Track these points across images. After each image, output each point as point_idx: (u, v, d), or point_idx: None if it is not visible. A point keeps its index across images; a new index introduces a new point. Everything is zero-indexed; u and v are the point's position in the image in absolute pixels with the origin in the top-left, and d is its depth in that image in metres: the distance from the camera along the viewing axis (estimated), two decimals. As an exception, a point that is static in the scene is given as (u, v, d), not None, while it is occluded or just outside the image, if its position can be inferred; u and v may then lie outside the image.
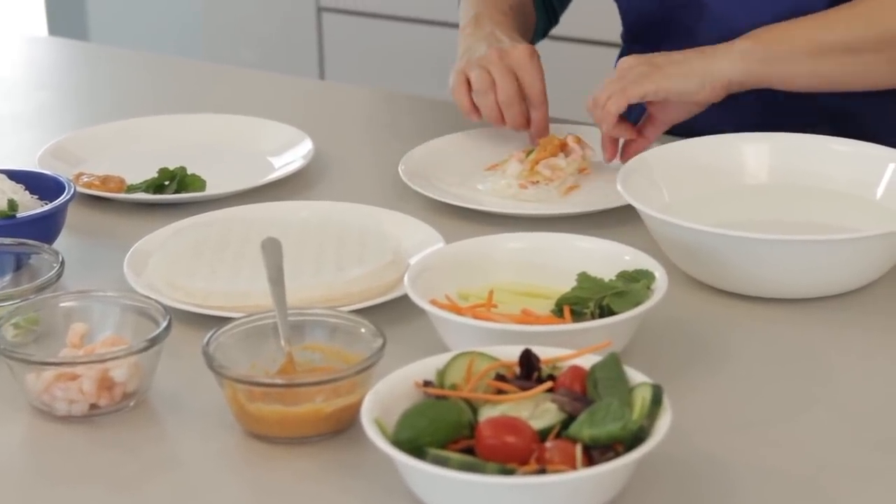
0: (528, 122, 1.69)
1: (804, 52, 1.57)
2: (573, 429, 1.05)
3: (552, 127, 1.71)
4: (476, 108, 1.69)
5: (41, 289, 1.34)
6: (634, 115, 1.64)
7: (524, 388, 1.10)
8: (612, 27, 1.93)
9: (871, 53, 1.56)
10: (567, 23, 2.00)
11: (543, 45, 1.86)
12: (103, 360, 1.20)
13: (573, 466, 1.03)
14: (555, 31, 1.98)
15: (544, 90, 1.68)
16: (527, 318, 1.27)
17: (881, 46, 1.56)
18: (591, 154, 1.68)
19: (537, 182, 1.63)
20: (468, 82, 1.68)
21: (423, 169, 1.70)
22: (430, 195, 1.62)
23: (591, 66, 1.68)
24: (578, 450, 1.04)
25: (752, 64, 1.56)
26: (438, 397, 1.10)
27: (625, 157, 1.63)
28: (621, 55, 1.87)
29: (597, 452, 1.03)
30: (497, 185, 1.64)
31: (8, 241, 1.42)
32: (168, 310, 1.26)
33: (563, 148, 1.67)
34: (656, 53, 1.61)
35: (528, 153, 1.67)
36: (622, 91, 1.57)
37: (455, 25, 1.84)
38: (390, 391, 1.11)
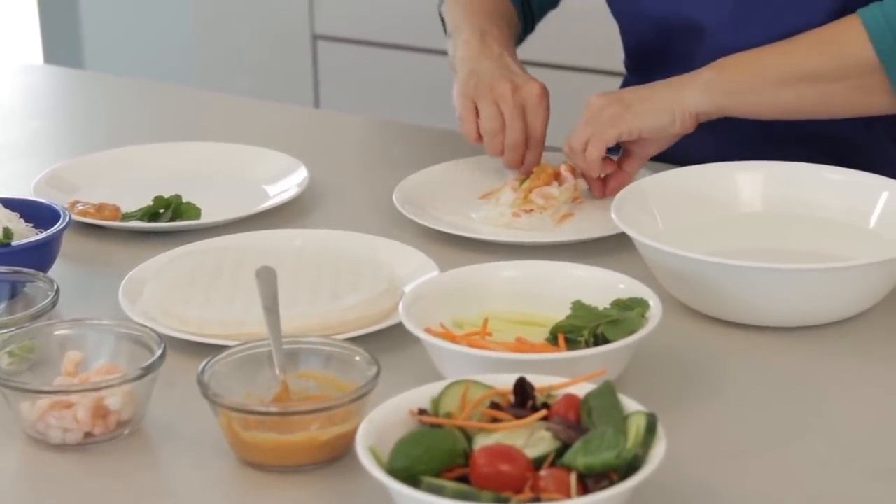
0: (523, 161, 1.70)
1: (768, 82, 1.58)
2: (568, 457, 1.05)
3: (546, 155, 1.72)
4: (481, 138, 1.69)
5: (36, 317, 1.34)
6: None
7: (519, 417, 1.10)
8: (616, 56, 1.93)
9: (835, 83, 1.57)
10: (571, 52, 2.00)
11: (548, 74, 1.87)
12: (98, 389, 1.20)
13: (568, 495, 1.03)
14: (559, 60, 1.98)
15: (545, 133, 1.69)
16: (521, 346, 1.27)
17: (844, 75, 1.57)
18: (583, 183, 1.69)
19: (531, 210, 1.63)
20: (476, 111, 1.68)
21: (418, 197, 1.70)
22: (425, 223, 1.62)
23: (594, 93, 1.68)
24: (573, 478, 1.04)
25: (716, 95, 1.58)
26: (433, 425, 1.10)
27: (609, 191, 1.64)
28: (624, 84, 1.88)
29: (591, 481, 1.03)
30: (491, 213, 1.64)
31: (3, 269, 1.42)
32: (163, 338, 1.26)
33: (557, 177, 1.67)
34: (624, 90, 1.63)
35: (522, 181, 1.67)
36: (598, 136, 1.59)
37: (447, 53, 1.84)
38: (385, 419, 1.11)
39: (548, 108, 1.69)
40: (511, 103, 1.67)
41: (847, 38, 1.56)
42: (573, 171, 1.68)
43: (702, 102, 1.58)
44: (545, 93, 1.69)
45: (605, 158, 1.62)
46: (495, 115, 1.67)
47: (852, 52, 1.55)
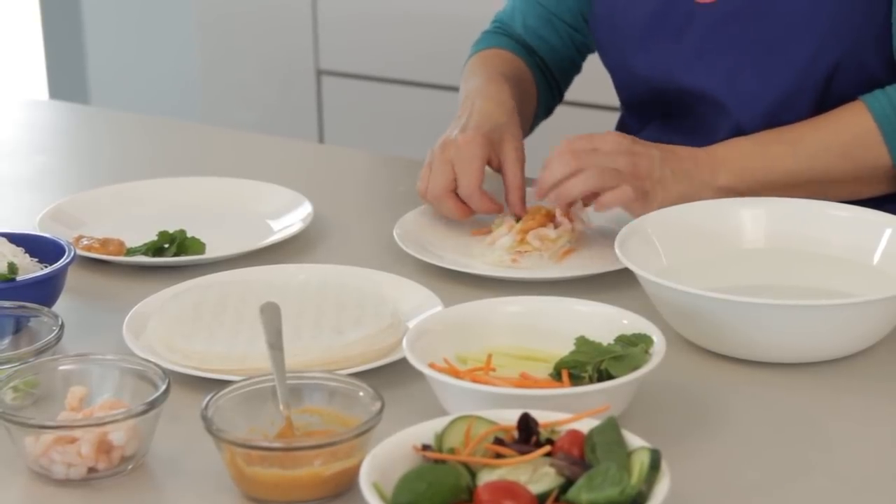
0: (468, 213, 1.68)
1: (782, 185, 1.62)
2: (572, 493, 1.05)
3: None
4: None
5: (40, 352, 1.34)
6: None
7: (523, 452, 1.10)
8: (611, 92, 1.94)
9: (846, 181, 1.64)
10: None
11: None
12: (102, 424, 1.20)
13: (572, 531, 1.03)
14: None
15: (476, 182, 1.65)
16: (525, 381, 1.27)
17: (857, 177, 1.63)
18: (580, 226, 1.67)
19: (528, 251, 1.63)
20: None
21: (420, 233, 1.70)
22: (427, 259, 1.62)
23: (592, 129, 1.68)
24: (577, 514, 1.04)
25: (728, 194, 1.61)
26: (437, 461, 1.10)
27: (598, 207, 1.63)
28: (620, 122, 1.89)
29: (595, 517, 1.03)
30: (490, 258, 1.63)
31: (7, 304, 1.42)
32: (167, 373, 1.26)
33: (552, 219, 1.66)
34: (651, 162, 1.60)
35: (519, 219, 1.67)
36: (630, 208, 1.59)
37: (453, 89, 1.85)
38: (389, 455, 1.11)
39: (479, 156, 1.66)
40: (439, 158, 1.67)
41: (861, 141, 1.61)
42: (569, 215, 1.67)
43: (707, 196, 1.61)
44: (474, 141, 1.66)
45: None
46: (424, 174, 1.69)
47: (867, 158, 1.62)
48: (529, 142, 1.80)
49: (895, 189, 1.65)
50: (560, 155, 1.59)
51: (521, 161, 1.70)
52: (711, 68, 1.69)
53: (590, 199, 1.61)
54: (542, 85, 1.92)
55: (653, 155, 1.59)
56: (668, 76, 1.73)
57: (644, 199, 1.58)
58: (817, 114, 1.65)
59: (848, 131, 1.62)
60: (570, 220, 1.66)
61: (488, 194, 1.67)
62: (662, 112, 1.78)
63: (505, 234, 1.66)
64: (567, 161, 1.58)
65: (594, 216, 1.70)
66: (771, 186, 1.62)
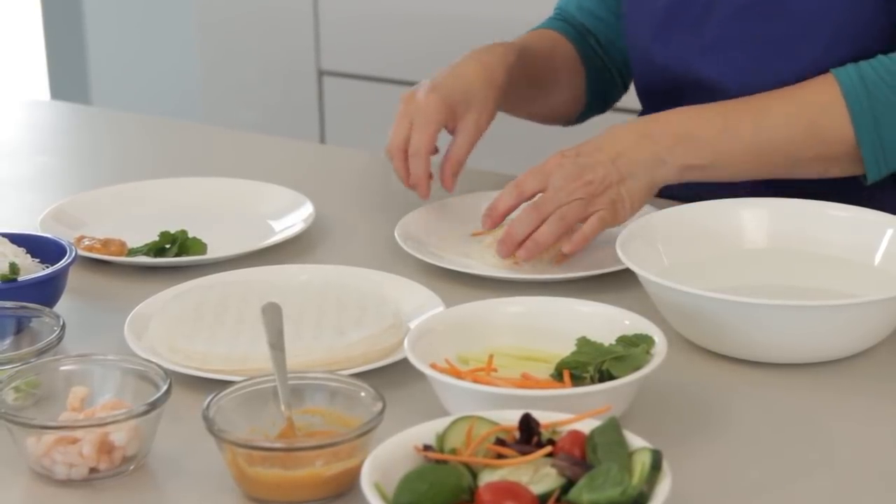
0: (407, 182, 1.70)
1: (746, 157, 1.58)
2: (573, 493, 1.05)
3: None
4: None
5: (42, 352, 1.34)
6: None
7: (524, 453, 1.10)
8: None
9: (814, 161, 1.59)
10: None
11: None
12: (103, 424, 1.20)
13: (573, 531, 1.03)
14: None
15: (428, 146, 1.67)
16: (526, 382, 1.27)
17: (820, 151, 1.58)
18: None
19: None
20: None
21: (422, 233, 1.70)
22: (428, 260, 1.62)
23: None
24: (578, 515, 1.04)
25: (690, 172, 1.58)
26: (438, 461, 1.10)
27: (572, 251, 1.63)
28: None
29: (596, 517, 1.03)
30: (489, 259, 1.63)
31: (9, 304, 1.42)
32: (168, 373, 1.26)
33: None
34: (598, 163, 1.57)
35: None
36: (602, 222, 1.57)
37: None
38: (390, 455, 1.11)
39: (433, 117, 1.67)
40: (400, 112, 1.70)
41: (825, 113, 1.56)
42: None
43: (676, 180, 1.59)
44: (434, 101, 1.68)
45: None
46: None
47: (830, 130, 1.57)
48: (537, 139, 1.80)
49: (858, 171, 1.60)
50: (522, 213, 1.58)
51: (473, 135, 1.70)
52: (726, 61, 1.69)
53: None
54: (595, 68, 1.91)
55: (602, 161, 1.57)
56: (685, 67, 1.73)
57: (614, 209, 1.57)
58: None
59: (814, 102, 1.58)
60: None
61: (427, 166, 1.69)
62: (678, 104, 1.77)
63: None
64: (529, 216, 1.57)
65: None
66: (734, 160, 1.58)
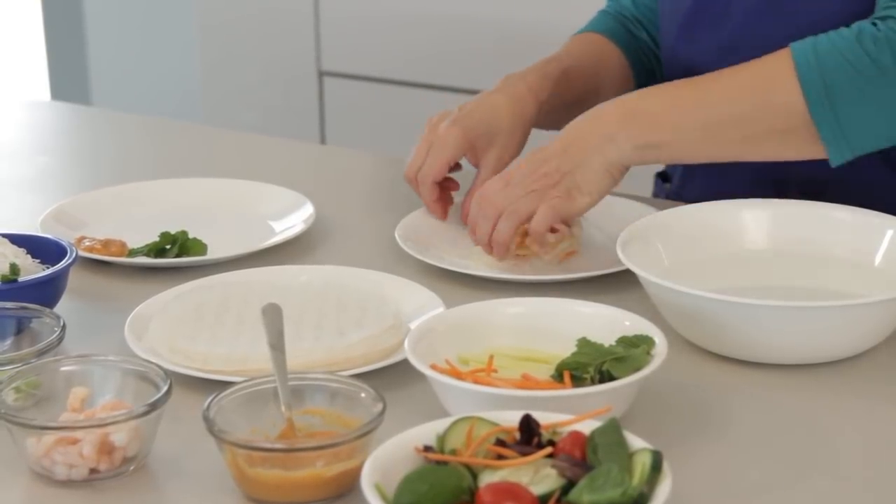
0: (428, 203, 1.71)
1: (697, 133, 1.53)
2: (573, 494, 1.05)
3: None
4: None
5: (42, 353, 1.34)
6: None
7: (524, 454, 1.10)
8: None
9: (761, 129, 1.51)
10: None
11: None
12: (103, 425, 1.20)
13: (573, 532, 1.03)
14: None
15: (436, 175, 1.69)
16: (527, 383, 1.27)
17: (771, 123, 1.50)
18: (578, 230, 1.67)
19: (527, 256, 1.63)
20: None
21: (422, 234, 1.70)
22: (429, 260, 1.62)
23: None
24: (578, 516, 1.04)
25: (644, 152, 1.54)
26: (438, 462, 1.10)
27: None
28: None
29: (597, 518, 1.03)
30: (489, 259, 1.63)
31: (9, 305, 1.42)
32: (168, 374, 1.26)
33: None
34: (552, 152, 1.56)
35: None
36: (553, 211, 1.55)
37: (455, 90, 1.85)
38: (390, 456, 1.11)
39: (447, 152, 1.68)
40: (422, 141, 1.71)
41: (775, 84, 1.50)
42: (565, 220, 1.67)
43: (633, 160, 1.54)
44: (454, 134, 1.68)
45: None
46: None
47: (779, 100, 1.49)
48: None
49: (819, 152, 1.51)
50: (478, 211, 1.59)
51: (494, 171, 1.68)
52: (742, 62, 1.68)
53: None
54: (645, 71, 1.88)
55: (556, 152, 1.56)
56: (707, 66, 1.71)
57: (569, 197, 1.55)
58: None
59: (764, 73, 1.52)
60: (569, 225, 1.66)
61: (440, 194, 1.70)
62: None
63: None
64: (486, 214, 1.57)
65: (595, 218, 1.70)
66: (685, 136, 1.53)
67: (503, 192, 1.57)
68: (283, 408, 1.23)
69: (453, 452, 1.12)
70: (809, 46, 1.49)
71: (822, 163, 1.52)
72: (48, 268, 1.52)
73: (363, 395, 1.22)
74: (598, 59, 1.85)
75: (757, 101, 1.51)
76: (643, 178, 1.95)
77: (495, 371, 1.29)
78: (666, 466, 1.08)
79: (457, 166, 1.73)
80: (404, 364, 1.32)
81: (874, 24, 1.47)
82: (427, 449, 1.12)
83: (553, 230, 1.63)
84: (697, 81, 1.56)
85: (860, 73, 1.46)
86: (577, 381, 1.27)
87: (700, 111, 1.53)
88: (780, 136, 1.51)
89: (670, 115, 1.54)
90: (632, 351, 1.28)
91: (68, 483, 1.21)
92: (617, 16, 1.90)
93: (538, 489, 1.06)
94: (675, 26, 1.77)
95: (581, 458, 1.10)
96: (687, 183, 1.85)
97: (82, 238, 1.69)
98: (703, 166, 1.68)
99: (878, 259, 1.51)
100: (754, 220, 1.57)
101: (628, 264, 1.44)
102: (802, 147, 1.51)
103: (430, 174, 1.69)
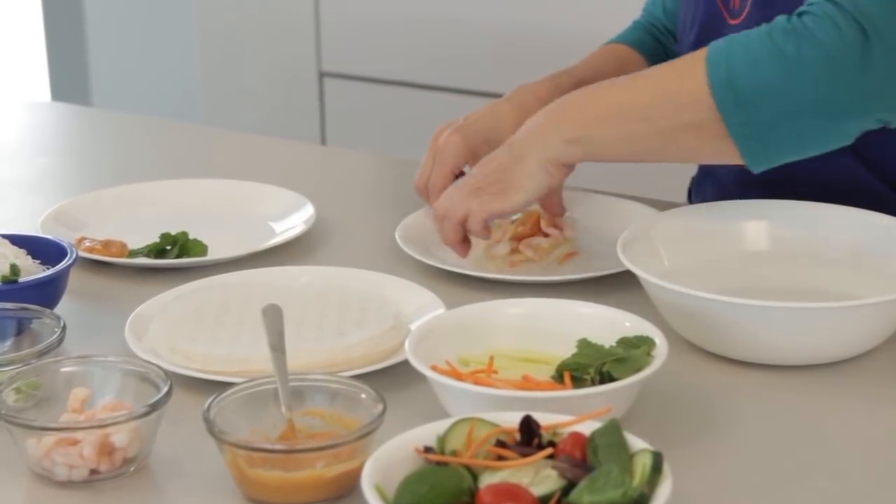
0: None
1: (618, 125, 1.51)
2: (574, 495, 1.05)
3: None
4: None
5: (42, 354, 1.34)
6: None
7: (525, 455, 1.10)
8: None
9: (672, 124, 1.48)
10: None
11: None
12: (104, 426, 1.20)
13: (574, 533, 1.03)
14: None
15: (441, 183, 1.67)
16: (527, 384, 1.27)
17: (680, 117, 1.47)
18: (570, 233, 1.67)
19: (522, 261, 1.63)
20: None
21: (423, 235, 1.70)
22: (429, 262, 1.62)
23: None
24: (579, 517, 1.04)
25: (572, 147, 1.52)
26: (439, 463, 1.10)
27: (558, 226, 1.65)
28: None
29: (597, 519, 1.03)
30: (486, 265, 1.63)
31: (9, 305, 1.42)
32: (169, 375, 1.26)
33: (541, 228, 1.66)
34: (486, 164, 1.57)
35: (513, 222, 1.67)
36: (485, 206, 1.55)
37: (455, 90, 1.85)
38: (391, 457, 1.11)
39: (450, 159, 1.68)
40: (429, 150, 1.71)
41: (686, 75, 1.47)
42: (555, 224, 1.67)
43: (564, 155, 1.53)
44: (454, 142, 1.68)
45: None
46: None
47: (687, 89, 1.46)
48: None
49: (735, 155, 1.46)
50: (433, 214, 1.61)
51: None
52: None
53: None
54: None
55: (500, 150, 1.57)
56: None
57: (503, 193, 1.55)
58: None
59: (678, 67, 1.50)
60: (560, 228, 1.66)
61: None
62: None
63: (497, 242, 1.66)
64: (436, 216, 1.60)
65: (596, 219, 1.70)
66: (603, 131, 1.51)
67: (448, 194, 1.59)
68: (283, 409, 1.23)
69: (454, 453, 1.12)
70: (725, 41, 1.47)
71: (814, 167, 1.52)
72: (48, 268, 1.52)
73: (363, 396, 1.22)
74: (618, 70, 1.83)
75: (667, 92, 1.48)
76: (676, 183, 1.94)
77: (496, 372, 1.29)
78: (666, 467, 1.08)
79: (461, 174, 1.73)
80: (405, 365, 1.32)
81: (788, 19, 1.46)
82: (427, 450, 1.12)
83: (545, 234, 1.64)
84: (625, 77, 1.55)
85: (762, 60, 1.43)
86: (578, 381, 1.27)
87: (616, 104, 1.52)
88: (692, 131, 1.47)
89: (592, 110, 1.53)
90: (632, 352, 1.28)
91: (68, 484, 1.21)
92: (647, 26, 1.90)
93: (538, 490, 1.06)
94: (687, 48, 1.76)
95: (581, 459, 1.10)
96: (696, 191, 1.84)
97: (83, 239, 1.69)
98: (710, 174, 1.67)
99: (878, 260, 1.51)
100: (755, 220, 1.57)
101: (629, 265, 1.44)
102: (719, 147, 1.46)
103: (435, 185, 1.69)
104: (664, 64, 1.52)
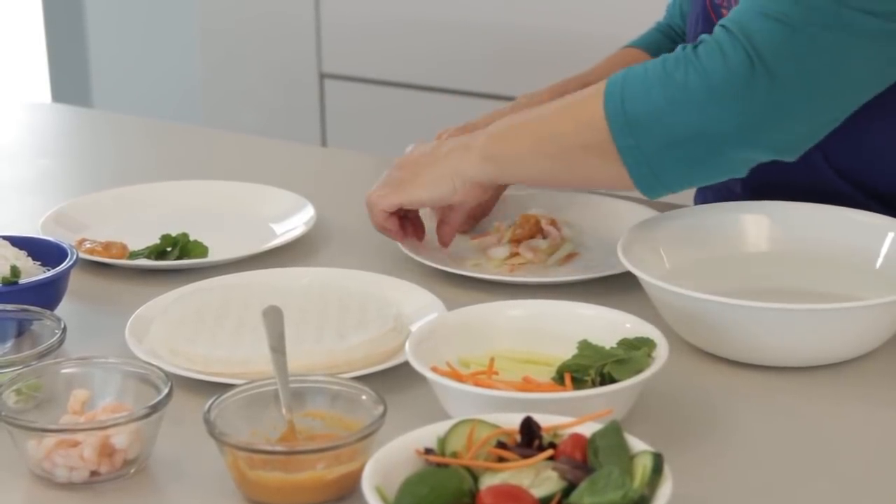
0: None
1: (523, 149, 1.53)
2: (574, 497, 1.05)
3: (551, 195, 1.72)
4: None
5: (43, 355, 1.34)
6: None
7: (525, 456, 1.10)
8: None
9: (574, 148, 1.50)
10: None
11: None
12: (104, 427, 1.20)
13: (574, 535, 1.03)
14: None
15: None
16: (528, 385, 1.27)
17: (580, 140, 1.49)
18: (568, 233, 1.67)
19: (522, 264, 1.63)
20: None
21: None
22: (429, 263, 1.62)
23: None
24: (579, 518, 1.04)
25: (488, 166, 1.54)
26: (439, 465, 1.10)
27: (442, 242, 1.66)
28: None
29: (598, 521, 1.03)
30: (484, 267, 1.63)
31: (10, 307, 1.42)
32: (169, 376, 1.26)
33: (541, 230, 1.66)
34: (415, 156, 1.61)
35: (510, 226, 1.67)
36: (383, 200, 1.61)
37: (455, 91, 1.85)
38: (391, 458, 1.10)
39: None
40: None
41: (588, 98, 1.49)
42: (555, 223, 1.67)
43: (478, 174, 1.55)
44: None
45: (392, 217, 1.64)
46: None
47: (587, 112, 1.48)
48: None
49: (627, 182, 1.47)
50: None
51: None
52: None
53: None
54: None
55: (425, 149, 1.61)
56: None
57: (400, 189, 1.59)
58: None
59: (586, 92, 1.50)
60: (557, 229, 1.66)
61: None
62: None
63: (495, 243, 1.66)
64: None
65: (596, 221, 1.70)
66: (514, 149, 1.53)
67: (378, 182, 1.64)
68: (283, 410, 1.23)
69: (454, 455, 1.11)
70: (627, 69, 1.48)
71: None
72: (49, 270, 1.52)
73: (364, 397, 1.22)
74: None
75: (571, 114, 1.51)
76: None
77: (496, 373, 1.29)
78: (667, 469, 1.07)
79: None
80: (405, 366, 1.32)
81: (684, 47, 1.46)
82: (428, 451, 1.12)
83: (544, 235, 1.64)
84: (551, 102, 1.56)
85: (652, 87, 1.44)
86: (578, 383, 1.27)
87: (530, 126, 1.54)
88: (592, 154, 1.48)
89: (511, 131, 1.55)
90: (633, 353, 1.28)
91: (69, 485, 1.21)
92: (666, 28, 1.90)
93: (539, 492, 1.06)
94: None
95: (582, 461, 1.10)
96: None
97: (83, 240, 1.69)
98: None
99: (879, 261, 1.51)
100: (755, 222, 1.57)
101: (629, 267, 1.44)
102: (615, 169, 1.47)
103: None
104: (582, 91, 1.53)
